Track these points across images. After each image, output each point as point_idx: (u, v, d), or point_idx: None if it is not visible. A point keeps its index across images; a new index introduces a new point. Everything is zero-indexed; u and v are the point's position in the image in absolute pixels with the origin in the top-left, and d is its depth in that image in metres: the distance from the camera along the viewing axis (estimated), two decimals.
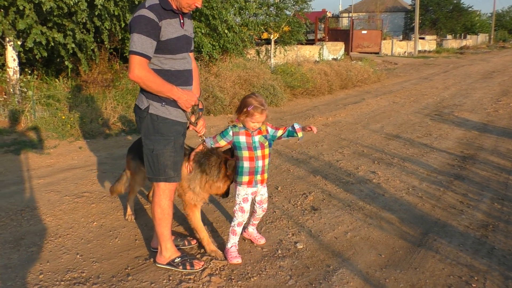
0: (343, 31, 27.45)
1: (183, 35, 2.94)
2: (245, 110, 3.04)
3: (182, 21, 2.95)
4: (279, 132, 3.25)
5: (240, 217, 3.28)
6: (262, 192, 3.35)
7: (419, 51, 34.47)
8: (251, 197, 3.28)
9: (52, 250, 3.41)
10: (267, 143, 3.19)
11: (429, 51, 36.61)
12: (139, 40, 2.68)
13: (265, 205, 3.43)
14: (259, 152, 3.16)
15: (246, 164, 3.16)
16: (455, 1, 51.03)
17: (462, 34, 53.83)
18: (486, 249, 3.53)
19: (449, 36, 49.63)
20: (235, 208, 3.30)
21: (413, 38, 34.13)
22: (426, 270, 3.22)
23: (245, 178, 3.19)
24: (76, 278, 3.03)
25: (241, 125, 3.15)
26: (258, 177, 3.22)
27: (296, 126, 3.26)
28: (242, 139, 3.15)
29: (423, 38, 40.12)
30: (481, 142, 6.93)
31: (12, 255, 3.31)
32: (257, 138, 3.15)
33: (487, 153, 6.28)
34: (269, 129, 3.22)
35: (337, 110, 9.83)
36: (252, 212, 3.46)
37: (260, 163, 3.18)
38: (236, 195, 3.28)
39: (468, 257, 3.40)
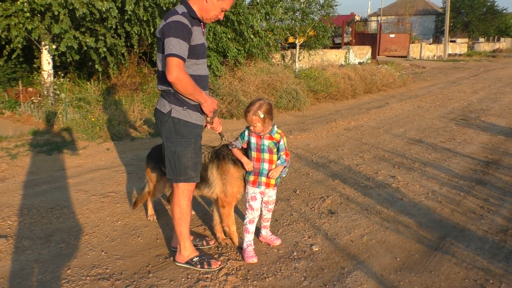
0: (370, 35, 27.23)
1: (204, 43, 3.11)
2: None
3: (203, 30, 3.12)
4: (281, 152, 3.35)
5: (250, 215, 3.45)
6: (270, 194, 3.48)
7: (449, 55, 33.83)
8: (259, 196, 3.43)
9: (79, 247, 3.59)
10: (275, 149, 3.33)
11: (460, 55, 35.87)
12: (178, 43, 2.84)
13: (271, 206, 3.56)
14: (266, 155, 3.31)
15: (252, 163, 3.36)
16: (488, 4, 49.75)
17: (496, 37, 52.44)
18: (504, 254, 3.53)
19: (481, 39, 48.47)
20: (246, 206, 3.48)
21: (443, 41, 33.50)
22: (441, 273, 3.25)
23: (251, 177, 3.38)
24: (100, 274, 3.20)
25: None
26: (263, 179, 3.35)
27: (278, 163, 3.36)
28: (253, 140, 3.36)
29: (454, 41, 39.33)
30: (506, 147, 6.82)
31: (42, 250, 3.52)
32: (267, 142, 3.31)
33: None
34: (282, 142, 3.33)
35: (360, 114, 9.81)
36: (260, 214, 3.59)
37: (266, 166, 3.33)
38: (246, 194, 3.46)
39: (485, 261, 3.41)
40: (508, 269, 3.29)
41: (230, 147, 3.42)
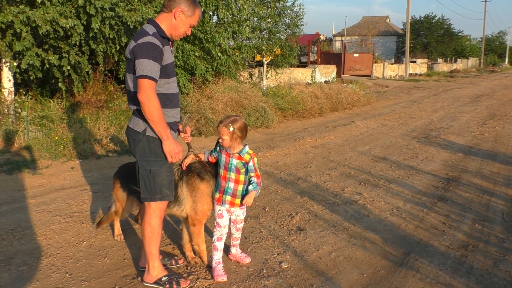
0: (335, 54, 27.96)
1: (173, 61, 3.14)
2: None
3: (171, 48, 3.14)
4: (251, 174, 3.35)
5: (218, 232, 3.44)
6: (237, 213, 3.48)
7: (410, 74, 35.07)
8: (226, 213, 3.43)
9: (42, 269, 3.47)
10: (243, 170, 3.33)
11: (420, 74, 37.26)
12: (149, 64, 2.84)
13: (239, 225, 3.56)
14: (232, 175, 3.32)
15: (219, 181, 3.38)
16: (446, 26, 52.17)
17: (453, 58, 54.85)
18: (465, 269, 3.64)
19: (440, 60, 50.54)
20: (214, 224, 3.48)
21: (405, 62, 34.76)
22: None
23: (217, 195, 3.40)
24: None
25: None
26: (228, 197, 3.36)
27: (250, 189, 3.36)
28: (223, 158, 3.36)
29: (414, 62, 40.85)
30: (465, 165, 7.10)
31: (2, 274, 3.38)
32: (235, 161, 3.31)
33: (471, 175, 6.44)
34: (251, 163, 3.34)
35: (327, 132, 10.01)
36: (230, 233, 3.59)
37: (231, 185, 3.33)
38: (213, 211, 3.46)
39: (447, 276, 3.51)
40: (469, 284, 3.40)
41: (190, 151, 3.42)
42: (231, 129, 3.22)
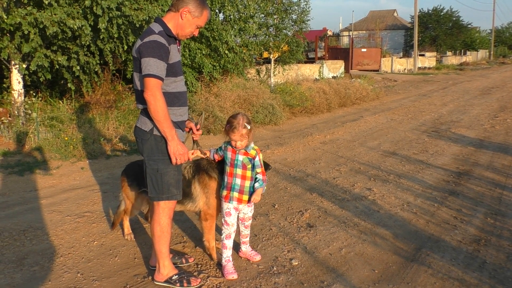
0: (343, 49, 27.80)
1: (180, 60, 3.13)
2: (224, 128, 3.31)
3: (179, 47, 3.13)
4: (258, 169, 3.34)
5: (226, 230, 3.43)
6: (245, 211, 3.48)
7: (419, 68, 34.77)
8: (234, 211, 3.41)
9: (54, 269, 3.50)
10: (250, 165, 3.32)
11: (429, 68, 36.92)
12: (155, 63, 2.84)
13: (247, 223, 3.56)
14: (239, 171, 3.31)
15: (226, 178, 3.37)
16: (454, 18, 51.64)
17: (462, 51, 54.27)
18: (478, 263, 3.60)
19: (449, 53, 50.07)
20: (222, 222, 3.48)
21: (413, 55, 34.47)
22: (418, 285, 3.29)
23: (224, 192, 3.39)
24: None
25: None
26: (235, 194, 3.34)
27: (257, 186, 3.34)
28: (228, 154, 3.35)
29: (423, 55, 40.49)
30: (476, 158, 7.03)
31: (15, 274, 3.41)
32: (241, 157, 3.30)
33: (482, 169, 6.37)
34: (257, 159, 3.32)
35: (335, 128, 9.97)
36: (239, 231, 3.59)
37: (238, 181, 3.32)
38: (221, 209, 3.45)
39: (459, 271, 3.47)
40: (482, 278, 3.37)
41: (195, 146, 3.42)
42: (249, 127, 3.22)
